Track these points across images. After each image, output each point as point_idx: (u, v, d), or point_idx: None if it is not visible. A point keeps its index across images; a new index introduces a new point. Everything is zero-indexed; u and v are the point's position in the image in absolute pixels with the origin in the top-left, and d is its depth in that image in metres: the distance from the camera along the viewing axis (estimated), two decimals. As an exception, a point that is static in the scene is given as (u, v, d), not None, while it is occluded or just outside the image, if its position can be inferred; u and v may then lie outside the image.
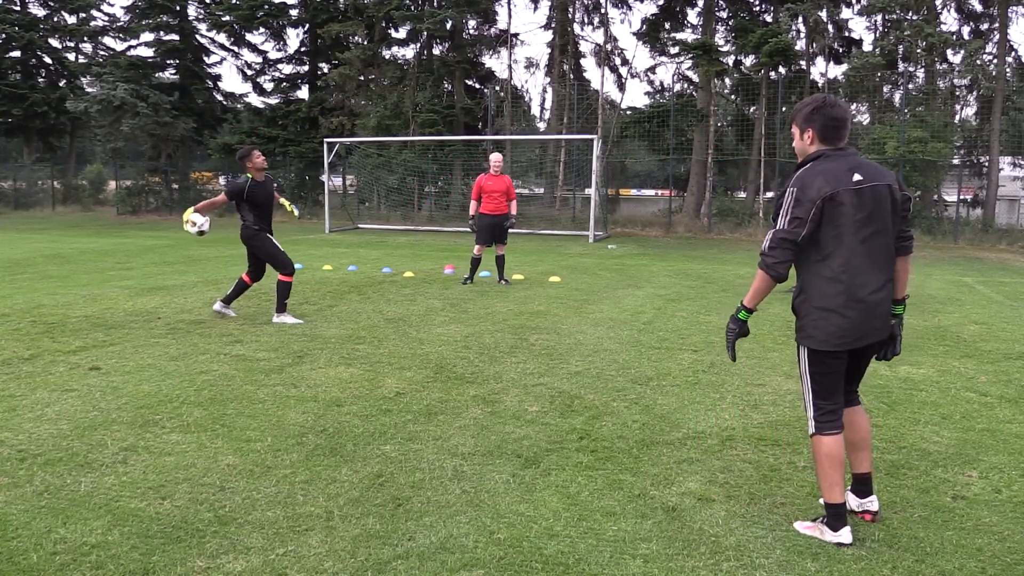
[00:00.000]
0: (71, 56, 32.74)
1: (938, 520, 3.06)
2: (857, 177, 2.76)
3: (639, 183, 41.28)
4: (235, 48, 30.12)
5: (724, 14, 24.43)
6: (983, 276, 12.17)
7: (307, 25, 27.94)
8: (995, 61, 20.07)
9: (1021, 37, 68.11)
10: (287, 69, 29.83)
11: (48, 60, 32.09)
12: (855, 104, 22.06)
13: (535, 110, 32.08)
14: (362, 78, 26.78)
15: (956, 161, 20.80)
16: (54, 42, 31.86)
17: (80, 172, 35.06)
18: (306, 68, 29.38)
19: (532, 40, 44.08)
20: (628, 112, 25.99)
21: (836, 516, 2.84)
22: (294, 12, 27.81)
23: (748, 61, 23.24)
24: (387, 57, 26.75)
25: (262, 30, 28.74)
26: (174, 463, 3.53)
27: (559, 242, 17.82)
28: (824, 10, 20.61)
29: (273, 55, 29.91)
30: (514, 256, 12.21)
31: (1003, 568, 2.70)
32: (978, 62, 19.53)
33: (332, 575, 2.59)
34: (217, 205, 7.04)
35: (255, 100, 42.03)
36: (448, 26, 24.65)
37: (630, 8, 28.61)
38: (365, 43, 26.05)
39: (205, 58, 30.14)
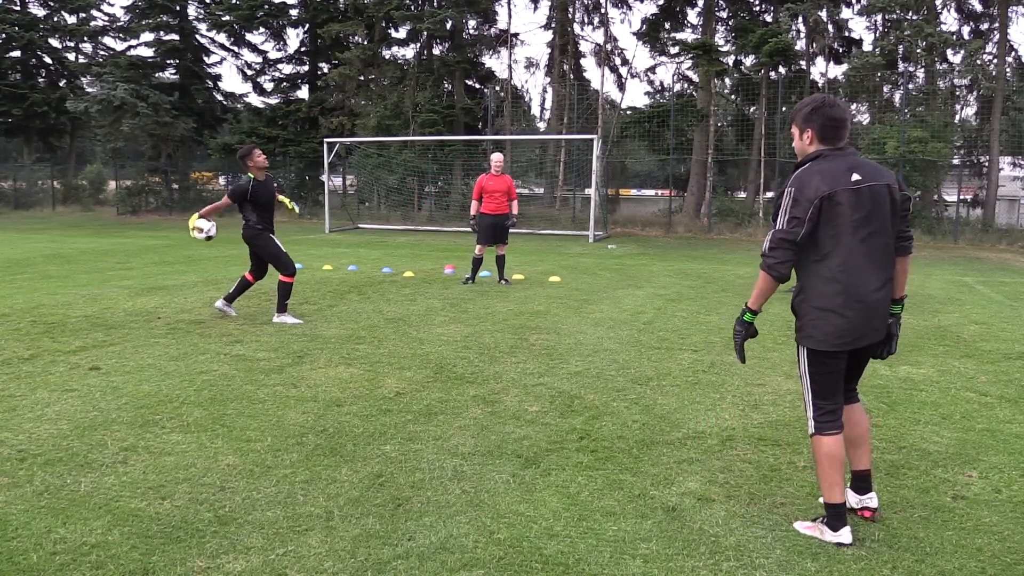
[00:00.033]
0: (71, 56, 32.76)
1: (938, 520, 3.06)
2: (856, 177, 2.77)
3: (639, 183, 41.29)
4: (235, 48, 30.16)
5: (724, 14, 24.44)
6: (983, 276, 12.18)
7: (307, 25, 27.94)
8: (995, 61, 20.07)
9: (1021, 37, 68.14)
10: (287, 69, 29.88)
11: (48, 60, 32.10)
12: (855, 104, 22.06)
13: (535, 110, 32.14)
14: (362, 78, 26.79)
15: (956, 161, 20.81)
16: (54, 42, 31.88)
17: (80, 172, 35.06)
18: (306, 68, 29.38)
19: (532, 40, 44.15)
20: (628, 112, 26.00)
21: (836, 516, 2.84)
22: (294, 12, 27.82)
23: (748, 61, 23.25)
24: (387, 57, 26.76)
25: (262, 30, 28.75)
26: (174, 463, 3.53)
27: (559, 242, 17.83)
28: (824, 10, 20.62)
29: (273, 55, 29.98)
30: (514, 256, 12.21)
31: (1003, 568, 2.70)
32: (978, 62, 19.53)
33: (332, 575, 2.59)
34: (220, 208, 7.05)
35: (255, 100, 42.08)
36: (448, 26, 24.66)
37: (630, 8, 28.65)
38: (365, 43, 26.05)
39: (205, 58, 30.15)
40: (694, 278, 10.98)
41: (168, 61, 29.12)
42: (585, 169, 21.84)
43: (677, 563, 2.70)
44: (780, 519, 3.06)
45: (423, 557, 2.70)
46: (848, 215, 2.75)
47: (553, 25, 26.67)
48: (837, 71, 27.91)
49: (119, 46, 31.59)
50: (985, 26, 21.68)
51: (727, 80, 24.51)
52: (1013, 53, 21.29)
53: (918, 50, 19.41)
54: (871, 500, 3.05)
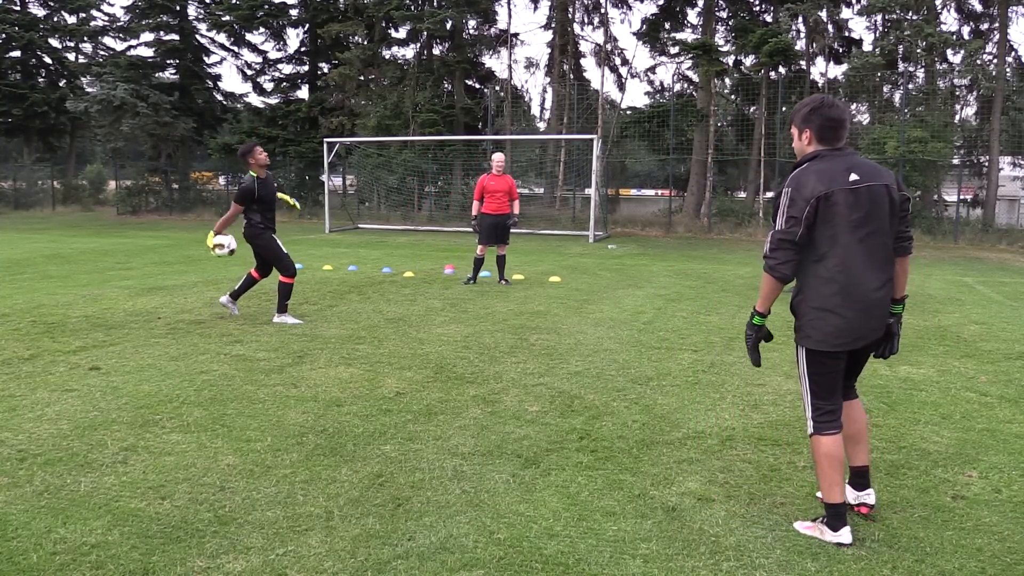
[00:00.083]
0: (71, 56, 32.76)
1: (938, 520, 3.06)
2: (854, 177, 2.77)
3: (639, 183, 41.28)
4: (235, 48, 30.15)
5: (724, 14, 24.43)
6: (983, 276, 12.18)
7: (307, 25, 27.95)
8: (995, 61, 20.07)
9: (1021, 37, 68.14)
10: (287, 69, 29.89)
11: (48, 60, 32.10)
12: (855, 104, 22.05)
13: (535, 110, 32.14)
14: (362, 78, 26.79)
15: (956, 161, 20.80)
16: (54, 42, 31.88)
17: (80, 172, 35.06)
18: (306, 68, 29.38)
19: (532, 40, 44.12)
20: (628, 112, 26.00)
21: (836, 516, 2.84)
22: (294, 12, 27.82)
23: (748, 61, 23.24)
24: (387, 57, 26.76)
25: (262, 30, 28.75)
26: (174, 463, 3.53)
27: (559, 242, 17.83)
28: (824, 10, 20.62)
29: (273, 55, 29.98)
30: (514, 256, 12.21)
31: (1003, 568, 2.70)
32: (978, 62, 19.53)
33: (332, 575, 2.59)
34: (233, 218, 6.92)
35: (255, 100, 42.08)
36: (448, 26, 24.66)
37: (630, 8, 28.63)
38: (365, 43, 26.05)
39: (205, 58, 30.15)
40: (694, 278, 10.98)
41: (168, 61, 29.12)
42: (585, 169, 21.84)
43: (677, 563, 2.70)
44: (780, 519, 3.06)
45: (423, 557, 2.70)
46: (845, 215, 2.75)
47: (553, 25, 26.67)
48: (837, 71, 27.97)
49: (119, 46, 31.65)
50: (985, 26, 21.68)
51: (727, 80, 24.51)
52: (1013, 53, 21.29)
53: (918, 50, 19.41)
54: (868, 496, 3.06)
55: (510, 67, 37.83)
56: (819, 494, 3.31)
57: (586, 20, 27.75)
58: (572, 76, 26.52)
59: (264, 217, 6.87)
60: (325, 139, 21.61)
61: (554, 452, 3.75)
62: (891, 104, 21.33)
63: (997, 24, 20.39)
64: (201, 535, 2.84)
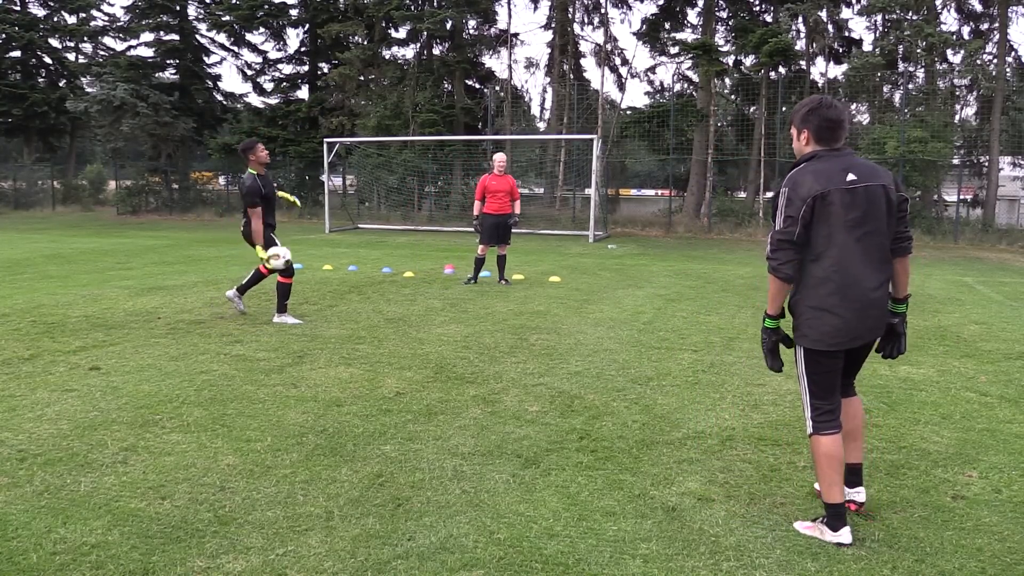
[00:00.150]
0: (71, 56, 32.75)
1: (938, 520, 3.06)
2: (851, 177, 2.79)
3: (639, 183, 41.28)
4: (235, 48, 30.16)
5: (724, 14, 24.43)
6: (983, 276, 12.18)
7: (307, 25, 27.95)
8: (995, 61, 20.07)
9: (1021, 37, 68.13)
10: (287, 69, 29.89)
11: (48, 60, 32.10)
12: (855, 104, 22.04)
13: (535, 110, 32.11)
14: (362, 78, 26.78)
15: (956, 161, 20.80)
16: (54, 42, 31.87)
17: (80, 172, 35.06)
18: (306, 68, 29.38)
19: (532, 40, 44.11)
20: (628, 112, 25.99)
21: (836, 516, 2.85)
22: (294, 12, 27.82)
23: (748, 61, 23.24)
24: (387, 57, 26.75)
25: (262, 30, 28.75)
26: (174, 463, 3.53)
27: (559, 242, 17.83)
28: (824, 10, 20.61)
29: (273, 55, 29.98)
30: (514, 256, 12.21)
31: (1003, 568, 2.70)
32: (978, 62, 19.52)
33: (332, 575, 2.59)
34: (261, 222, 6.81)
35: (255, 100, 42.07)
36: (448, 26, 24.65)
37: (630, 8, 28.60)
38: (365, 43, 26.05)
39: (205, 58, 30.16)
40: (694, 278, 10.98)
41: (168, 61, 29.13)
42: (585, 169, 21.83)
43: (677, 563, 2.70)
44: (780, 519, 3.06)
45: (423, 557, 2.70)
46: (842, 215, 2.77)
47: (553, 25, 26.67)
48: (837, 71, 27.95)
49: (119, 46, 31.65)
50: (985, 26, 21.68)
51: (727, 80, 24.50)
52: (1013, 53, 21.29)
53: (918, 50, 19.41)
54: (859, 494, 3.07)
55: (510, 67, 37.85)
56: (816, 485, 3.33)
57: (586, 20, 27.77)
58: (572, 76, 26.51)
59: (263, 216, 6.85)
60: (325, 139, 21.61)
61: (554, 452, 3.75)
62: (891, 104, 21.33)
63: (997, 24, 20.38)
64: (201, 535, 2.84)
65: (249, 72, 30.43)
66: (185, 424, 4.08)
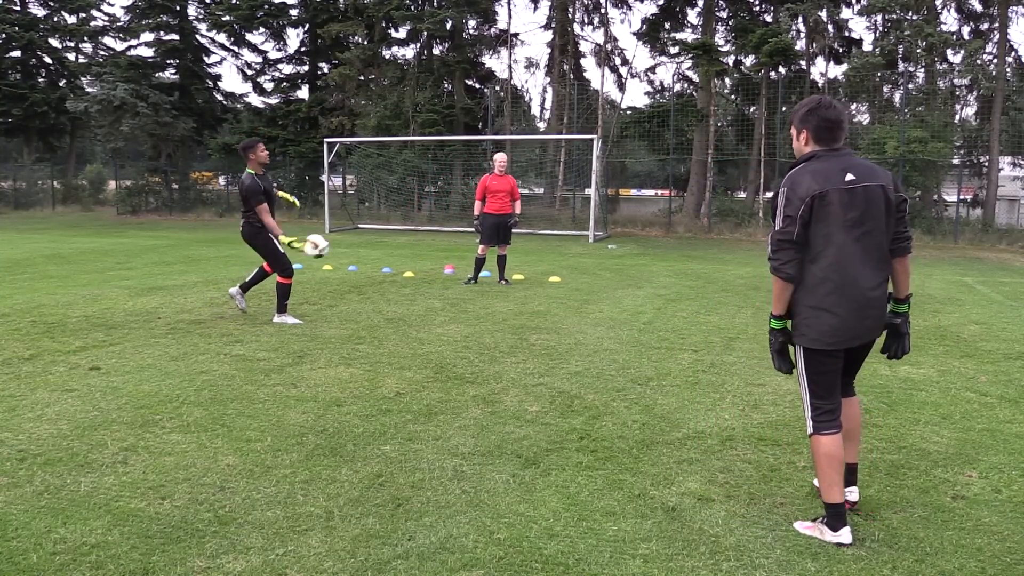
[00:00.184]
0: (71, 56, 32.75)
1: (938, 520, 3.06)
2: (850, 177, 2.80)
3: (639, 183, 41.27)
4: (235, 48, 30.14)
5: (724, 14, 24.42)
6: (983, 276, 12.18)
7: (307, 25, 27.94)
8: (995, 61, 20.06)
9: (1021, 37, 68.14)
10: (287, 69, 29.87)
11: (48, 60, 32.10)
12: (855, 104, 22.04)
13: (535, 110, 32.11)
14: (362, 78, 26.78)
15: (956, 161, 20.79)
16: (54, 42, 31.87)
17: (80, 172, 35.07)
18: (306, 68, 29.38)
19: (532, 40, 44.09)
20: (628, 112, 25.98)
21: (836, 516, 2.85)
22: (294, 12, 27.81)
23: (748, 61, 23.23)
24: (387, 57, 26.75)
25: (262, 30, 28.74)
26: (174, 463, 3.53)
27: (559, 242, 17.83)
28: (824, 10, 20.61)
29: (273, 55, 29.95)
30: (514, 256, 12.21)
31: (1003, 568, 2.70)
32: (978, 62, 19.52)
33: (332, 575, 2.59)
34: (270, 216, 6.79)
35: (255, 100, 42.15)
36: (448, 26, 24.65)
37: (630, 8, 28.60)
38: (365, 43, 26.05)
39: (205, 58, 30.15)
40: (694, 278, 10.98)
41: (168, 61, 29.12)
42: (585, 169, 21.83)
43: (677, 563, 2.70)
44: (780, 519, 3.06)
45: (423, 557, 2.70)
46: (840, 214, 2.78)
47: (553, 25, 26.66)
48: (837, 71, 27.94)
49: (119, 46, 31.63)
50: (985, 26, 21.67)
51: (727, 80, 24.50)
52: (1013, 53, 21.28)
53: (918, 50, 19.40)
54: (851, 494, 3.09)
55: (510, 67, 37.85)
56: (815, 481, 3.34)
57: (586, 20, 27.75)
58: (572, 76, 26.51)
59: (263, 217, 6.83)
60: (325, 139, 21.60)
61: (554, 452, 3.75)
62: (891, 104, 21.33)
63: (997, 24, 20.38)
64: (201, 535, 2.84)
65: (249, 72, 30.43)
66: (185, 424, 4.08)
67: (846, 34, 23.78)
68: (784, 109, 20.43)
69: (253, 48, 30.06)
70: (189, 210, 26.89)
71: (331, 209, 21.28)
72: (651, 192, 38.23)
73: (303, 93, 29.39)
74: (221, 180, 29.32)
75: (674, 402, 4.64)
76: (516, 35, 31.42)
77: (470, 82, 27.33)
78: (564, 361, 5.64)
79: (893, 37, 20.08)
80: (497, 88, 27.15)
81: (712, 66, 21.09)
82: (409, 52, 27.11)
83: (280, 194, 7.30)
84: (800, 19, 21.13)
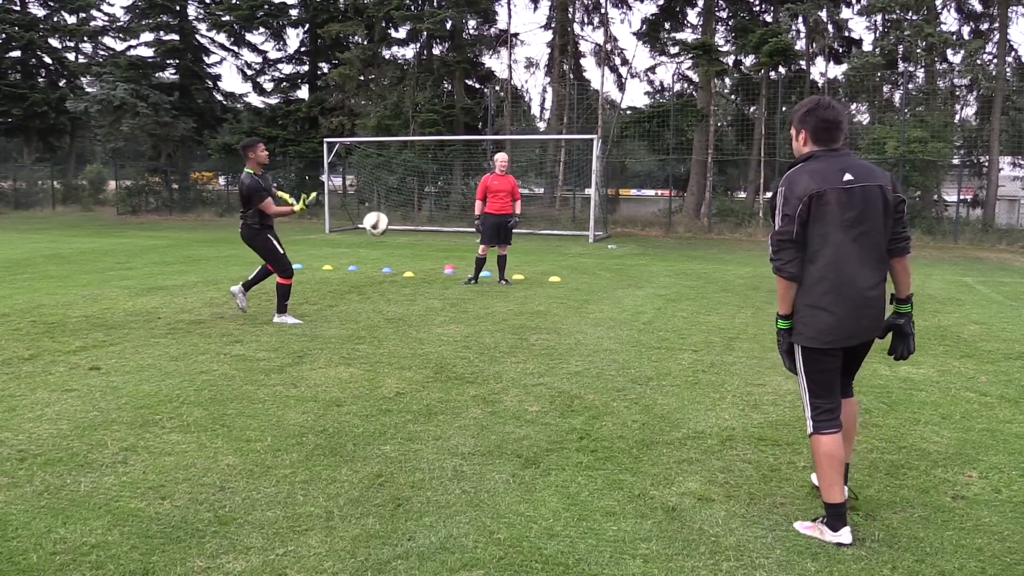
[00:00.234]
0: (71, 56, 32.76)
1: (938, 520, 3.06)
2: (848, 177, 2.82)
3: (639, 183, 41.27)
4: (235, 48, 30.15)
5: (724, 14, 24.42)
6: (983, 276, 12.18)
7: (307, 25, 27.94)
8: (995, 61, 20.06)
9: (1021, 37, 68.15)
10: (287, 69, 29.87)
11: (48, 60, 32.10)
12: (855, 104, 22.04)
13: (535, 110, 32.11)
14: (362, 78, 26.78)
15: (956, 161, 20.79)
16: (54, 42, 31.87)
17: (80, 172, 35.06)
18: (306, 68, 29.38)
19: (532, 40, 44.10)
20: (628, 112, 25.98)
21: (836, 516, 2.85)
22: (294, 12, 27.81)
23: (748, 61, 23.23)
24: (387, 57, 26.75)
25: (262, 30, 28.75)
26: (174, 463, 3.53)
27: (559, 242, 17.83)
28: (824, 10, 20.60)
29: (273, 55, 29.96)
30: (514, 256, 12.21)
31: (1003, 568, 2.70)
32: (978, 62, 19.52)
33: (332, 575, 2.59)
34: (275, 205, 6.80)
35: (255, 100, 42.14)
36: (448, 26, 24.65)
37: (630, 8, 28.60)
38: (365, 43, 26.05)
39: (205, 58, 30.15)
40: (694, 278, 10.98)
41: (168, 61, 29.13)
42: (585, 169, 21.83)
43: (677, 563, 2.70)
44: (780, 519, 3.06)
45: (423, 557, 2.70)
46: (838, 214, 2.79)
47: (553, 25, 26.66)
48: (837, 71, 27.95)
49: (119, 46, 31.64)
50: (985, 26, 21.67)
51: (727, 80, 24.49)
52: (1013, 53, 21.28)
53: (918, 50, 19.40)
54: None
55: (510, 67, 37.84)
56: (813, 477, 3.36)
57: (586, 20, 27.76)
58: (572, 76, 26.51)
59: (262, 217, 6.82)
60: (325, 139, 21.60)
61: (554, 452, 3.75)
62: (891, 104, 21.33)
63: (997, 24, 20.38)
64: (201, 535, 2.84)
65: (249, 72, 30.43)
66: (185, 424, 4.08)
67: (846, 34, 23.77)
68: (784, 109, 20.43)
69: (253, 48, 30.08)
70: (189, 210, 26.89)
71: (331, 209, 21.27)
72: (651, 192, 38.24)
73: (303, 93, 29.39)
74: (221, 180, 29.32)
75: (674, 402, 4.64)
76: (516, 35, 31.46)
77: (470, 82, 27.33)
78: (564, 361, 5.64)
79: (893, 37, 20.07)
80: (497, 88, 27.15)
81: (712, 66, 21.10)
82: (409, 52, 27.15)
83: (280, 194, 7.30)
84: (800, 19, 21.13)
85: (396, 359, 5.64)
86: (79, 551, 2.70)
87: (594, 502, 3.19)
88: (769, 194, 20.99)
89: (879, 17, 22.08)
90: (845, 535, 2.83)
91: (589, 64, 29.06)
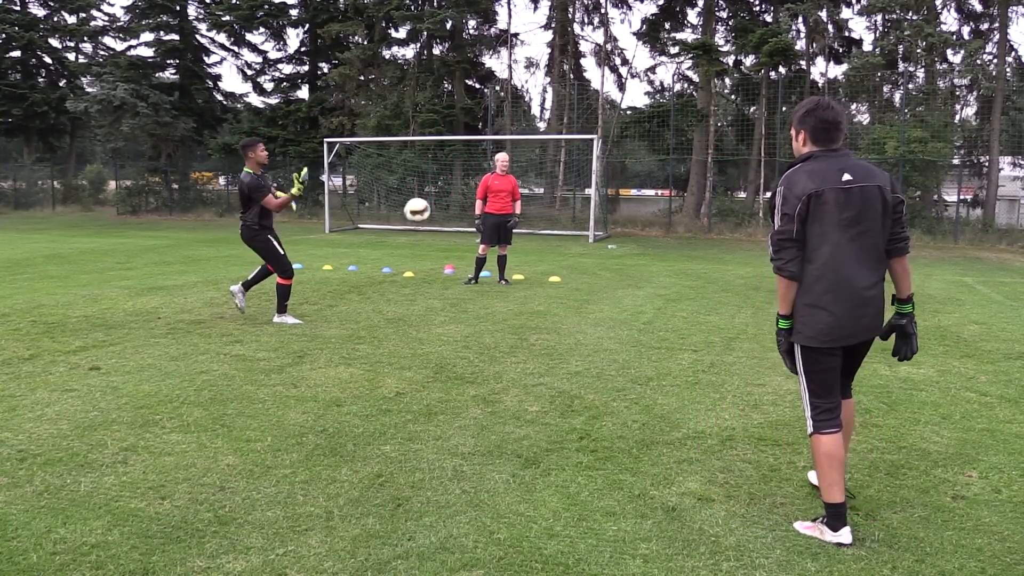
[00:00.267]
0: (71, 56, 32.76)
1: (938, 520, 3.06)
2: (847, 177, 2.83)
3: (639, 183, 41.28)
4: (235, 48, 30.15)
5: (724, 14, 24.43)
6: (983, 276, 12.18)
7: (307, 25, 27.95)
8: (995, 61, 20.07)
9: (1021, 37, 68.12)
10: (287, 69, 29.89)
11: (48, 60, 32.10)
12: (855, 104, 22.04)
13: (535, 110, 32.12)
14: (362, 78, 26.79)
15: (956, 161, 20.79)
16: (54, 42, 31.87)
17: (80, 172, 35.06)
18: (306, 68, 29.39)
19: (532, 40, 44.11)
20: (628, 112, 25.99)
21: (836, 516, 2.85)
22: (294, 12, 27.82)
23: (748, 61, 23.24)
24: (387, 57, 26.76)
25: (262, 30, 28.76)
26: (174, 463, 3.53)
27: (559, 242, 17.83)
28: (824, 10, 20.61)
29: (273, 55, 29.98)
30: (514, 256, 12.21)
31: (1003, 568, 2.70)
32: (978, 62, 19.52)
33: (332, 575, 2.59)
34: (277, 199, 6.82)
35: (255, 100, 42.08)
36: (448, 26, 24.65)
37: (630, 8, 28.60)
38: (365, 43, 26.06)
39: (205, 58, 30.16)
40: (694, 278, 10.99)
41: (168, 61, 29.13)
42: (585, 169, 21.83)
43: (677, 563, 2.70)
44: (780, 519, 3.06)
45: (423, 557, 2.70)
46: (836, 214, 2.80)
47: (553, 25, 26.67)
48: (837, 71, 27.92)
49: (119, 46, 31.64)
50: (985, 26, 21.67)
51: (727, 80, 24.50)
52: (1013, 53, 21.28)
53: (918, 50, 19.40)
54: None
55: (510, 67, 37.81)
56: (811, 475, 3.39)
57: (586, 20, 27.77)
58: (572, 76, 26.51)
59: (262, 217, 6.82)
60: (325, 139, 21.61)
61: (554, 452, 3.75)
62: (891, 104, 21.33)
63: (997, 24, 20.38)
64: (201, 535, 2.84)
65: (249, 72, 30.44)
66: (185, 424, 4.08)
67: (846, 34, 23.78)
68: (784, 109, 20.43)
69: (253, 48, 30.08)
70: (189, 210, 26.89)
71: (331, 209, 21.27)
72: (651, 192, 38.25)
73: (303, 93, 29.40)
74: (221, 180, 29.32)
75: (674, 402, 4.64)
76: (516, 35, 31.45)
77: (470, 82, 27.34)
78: (564, 361, 5.64)
79: (893, 37, 20.08)
80: (497, 88, 27.15)
81: (712, 66, 21.10)
82: (409, 52, 27.16)
83: (278, 194, 7.28)
84: (800, 19, 21.14)
85: (396, 359, 5.64)
86: (79, 551, 2.70)
87: (594, 502, 3.19)
88: (768, 194, 21.03)
89: (879, 17, 22.09)
90: (845, 535, 2.83)
91: (589, 64, 29.10)
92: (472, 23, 26.18)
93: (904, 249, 2.97)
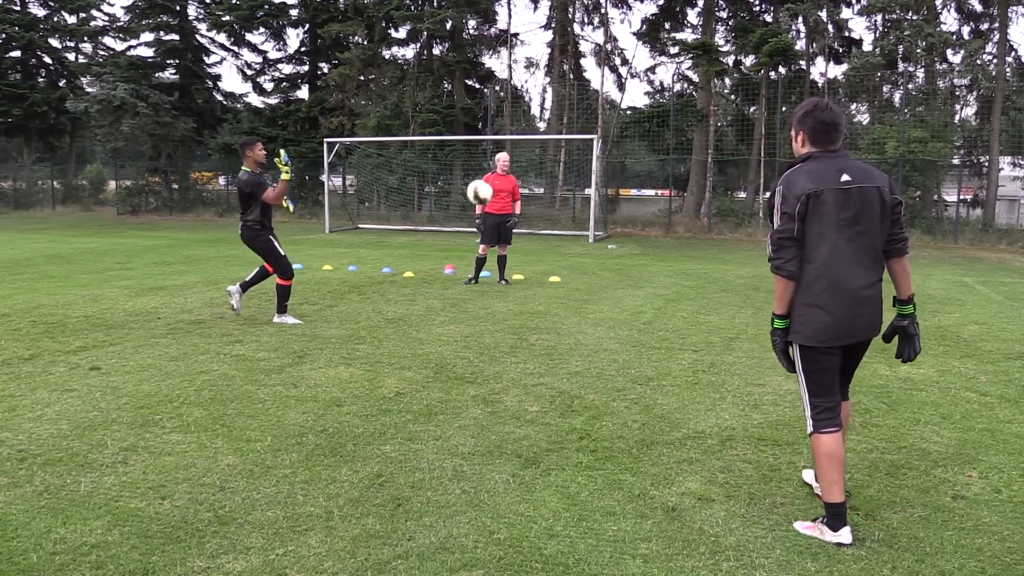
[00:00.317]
0: (71, 56, 32.76)
1: (938, 520, 3.06)
2: (845, 177, 2.84)
3: (639, 183, 41.28)
4: (235, 48, 30.15)
5: (724, 14, 24.43)
6: (983, 276, 12.18)
7: (307, 25, 27.95)
8: (995, 61, 20.07)
9: (1021, 37, 68.12)
10: (287, 69, 29.89)
11: (48, 60, 32.11)
12: (855, 104, 22.04)
13: (535, 110, 32.11)
14: (362, 78, 26.79)
15: (956, 161, 20.79)
16: (54, 42, 31.88)
17: (80, 172, 35.06)
18: (306, 68, 29.39)
19: (532, 40, 44.09)
20: (628, 112, 25.99)
21: (836, 516, 2.85)
22: (294, 12, 27.82)
23: (748, 61, 23.24)
24: (387, 57, 26.76)
25: (262, 30, 28.76)
26: (174, 463, 3.53)
27: (559, 242, 17.83)
28: (824, 10, 20.61)
29: (273, 55, 29.98)
30: (514, 256, 12.21)
31: (1003, 568, 2.70)
32: (978, 62, 19.52)
33: (332, 575, 2.59)
34: (276, 193, 6.73)
35: (255, 100, 42.12)
36: (448, 26, 24.66)
37: (630, 8, 28.60)
38: (365, 43, 26.06)
39: (205, 58, 30.15)
40: (694, 278, 10.98)
41: (168, 61, 29.13)
42: (585, 169, 21.83)
43: (677, 563, 2.70)
44: (780, 519, 3.06)
45: (423, 557, 2.70)
46: (834, 214, 2.81)
47: (553, 25, 26.67)
48: (837, 71, 27.93)
49: (119, 46, 31.64)
50: (985, 26, 21.67)
51: (727, 80, 24.50)
52: (1013, 53, 21.28)
53: (918, 50, 19.40)
54: None
55: (510, 67, 37.80)
56: (806, 473, 3.40)
57: (586, 20, 27.76)
58: (572, 76, 26.51)
59: (262, 217, 6.82)
60: (325, 139, 21.60)
61: (554, 452, 3.75)
62: (891, 104, 21.33)
63: (997, 24, 20.38)
64: (201, 535, 2.84)
65: (249, 72, 30.43)
66: (185, 424, 4.08)
67: (846, 34, 23.78)
68: (784, 109, 20.44)
69: (253, 48, 30.08)
70: (189, 210, 26.89)
71: (331, 209, 21.28)
72: (651, 192, 38.24)
73: (303, 93, 29.41)
74: (221, 180, 29.32)
75: (674, 402, 4.64)
76: (516, 35, 31.45)
77: (470, 82, 27.34)
78: (564, 361, 5.64)
79: (893, 37, 20.08)
80: (497, 88, 27.15)
81: (712, 66, 21.10)
82: (409, 52, 27.16)
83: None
84: (800, 19, 21.14)
85: (396, 359, 5.64)
86: (79, 551, 2.70)
87: (594, 502, 3.19)
88: (768, 194, 21.02)
89: (879, 17, 22.10)
90: (845, 535, 2.83)
91: (589, 64, 29.10)
92: (472, 23, 26.19)
93: (903, 250, 2.98)
